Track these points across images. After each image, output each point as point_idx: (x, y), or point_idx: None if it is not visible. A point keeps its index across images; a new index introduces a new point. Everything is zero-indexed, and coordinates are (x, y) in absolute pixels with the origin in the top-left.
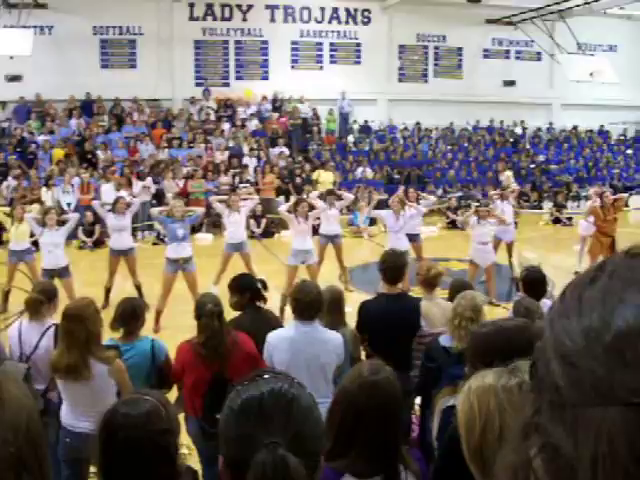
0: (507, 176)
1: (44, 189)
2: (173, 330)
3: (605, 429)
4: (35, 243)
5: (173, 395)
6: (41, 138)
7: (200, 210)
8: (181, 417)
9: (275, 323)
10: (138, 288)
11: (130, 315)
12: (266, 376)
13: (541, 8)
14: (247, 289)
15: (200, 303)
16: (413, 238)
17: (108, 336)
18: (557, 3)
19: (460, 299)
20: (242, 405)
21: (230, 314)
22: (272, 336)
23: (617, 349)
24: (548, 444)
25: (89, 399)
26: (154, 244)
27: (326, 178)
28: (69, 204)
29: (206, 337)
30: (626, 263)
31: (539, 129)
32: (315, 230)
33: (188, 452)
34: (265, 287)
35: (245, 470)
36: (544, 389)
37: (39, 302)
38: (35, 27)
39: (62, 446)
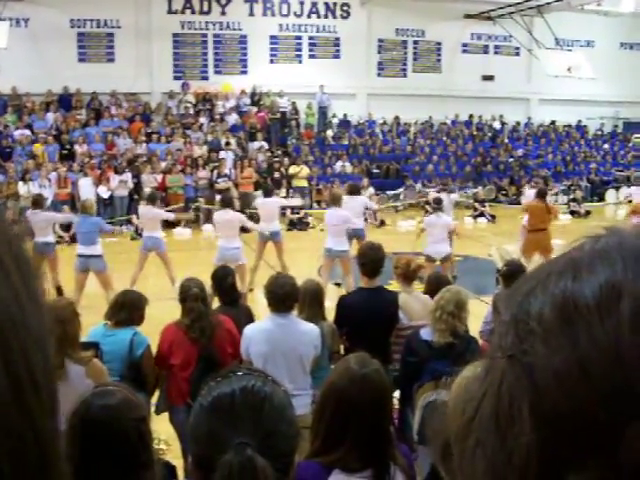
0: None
1: (20, 183)
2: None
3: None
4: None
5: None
6: (18, 132)
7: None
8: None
9: (251, 317)
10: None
11: (121, 305)
12: (240, 372)
13: (519, 3)
14: (217, 282)
15: (184, 287)
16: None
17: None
18: None
19: (444, 292)
20: (213, 402)
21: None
22: (249, 329)
23: (518, 314)
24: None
25: (66, 400)
26: (132, 238)
27: (303, 172)
28: (46, 199)
29: (192, 319)
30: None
31: (517, 124)
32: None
33: (166, 447)
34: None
35: (213, 470)
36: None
37: None
38: (11, 19)
39: None
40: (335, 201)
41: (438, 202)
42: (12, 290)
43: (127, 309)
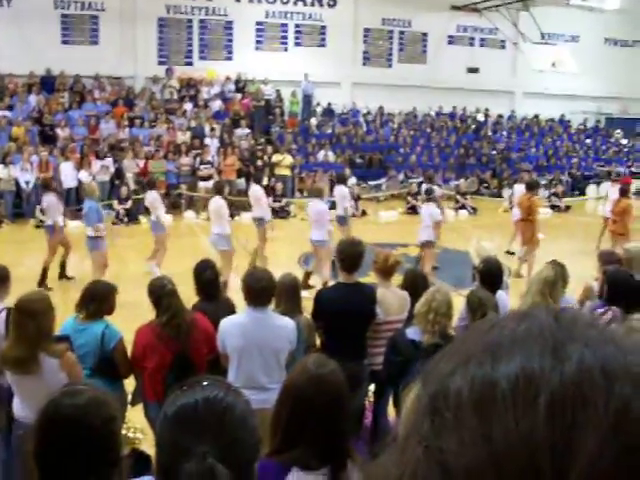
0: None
1: (1, 167)
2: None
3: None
4: None
5: (131, 385)
6: None
7: None
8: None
9: (231, 310)
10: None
11: (92, 299)
12: (204, 383)
13: None
14: (195, 276)
15: (157, 285)
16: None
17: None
18: None
19: (435, 293)
20: (176, 412)
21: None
22: (225, 322)
23: (435, 401)
24: None
25: (40, 392)
26: (113, 223)
27: (286, 161)
28: (27, 182)
29: (169, 316)
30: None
31: (501, 116)
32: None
33: (142, 436)
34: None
35: (177, 478)
36: None
37: None
38: None
39: (15, 439)
40: (316, 194)
41: (428, 192)
42: None
43: (97, 301)
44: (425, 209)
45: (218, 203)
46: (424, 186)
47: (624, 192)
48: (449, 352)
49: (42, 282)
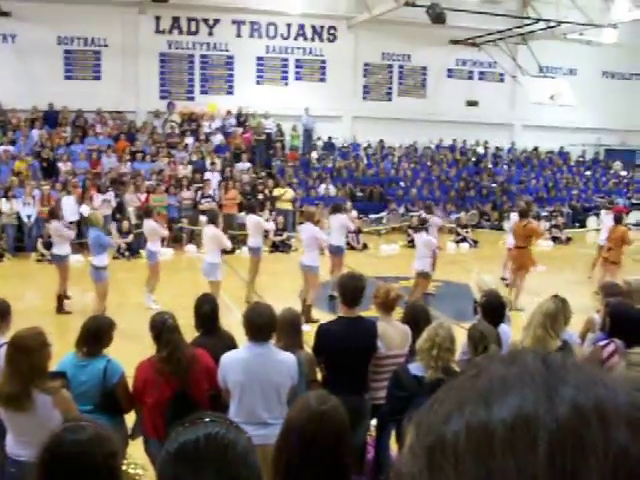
0: None
1: (3, 200)
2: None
3: None
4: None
5: (132, 416)
6: (1, 148)
7: None
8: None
9: (231, 344)
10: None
11: (93, 336)
12: (206, 419)
13: (504, 31)
14: (195, 310)
15: (158, 321)
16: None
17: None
18: (520, 27)
19: (438, 328)
20: (178, 448)
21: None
22: (225, 358)
23: (432, 453)
24: None
25: (33, 429)
26: (114, 258)
27: (287, 194)
28: (29, 216)
29: (169, 351)
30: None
31: (497, 149)
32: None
33: (143, 472)
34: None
35: None
36: None
37: None
38: None
39: (8, 476)
40: (308, 218)
41: (422, 222)
42: None
43: (97, 337)
44: (418, 238)
45: (212, 231)
46: (418, 215)
47: (619, 220)
48: (439, 399)
49: (60, 308)
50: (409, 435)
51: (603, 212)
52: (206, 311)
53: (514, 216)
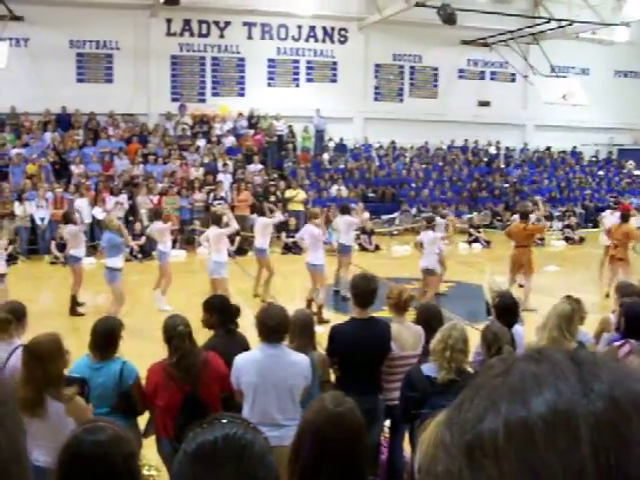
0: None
1: (17, 203)
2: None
3: None
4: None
5: (145, 416)
6: (14, 151)
7: None
8: (153, 438)
9: (246, 346)
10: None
11: (105, 338)
12: (223, 420)
13: (515, 31)
14: (215, 310)
15: (170, 325)
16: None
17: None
18: (531, 26)
19: (451, 330)
20: (196, 449)
21: (200, 332)
22: (239, 359)
23: (471, 449)
24: None
25: (47, 434)
26: (127, 260)
27: (299, 196)
28: (42, 219)
29: (178, 358)
30: (522, 370)
31: (507, 149)
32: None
33: (157, 473)
34: (238, 313)
35: None
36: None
37: (8, 322)
38: (11, 39)
39: None
40: (311, 218)
41: (429, 220)
42: None
43: (110, 340)
44: (424, 235)
45: (217, 231)
46: (425, 215)
47: (625, 218)
48: (469, 398)
49: (74, 310)
50: (434, 435)
51: (607, 212)
52: (224, 311)
53: (515, 218)
